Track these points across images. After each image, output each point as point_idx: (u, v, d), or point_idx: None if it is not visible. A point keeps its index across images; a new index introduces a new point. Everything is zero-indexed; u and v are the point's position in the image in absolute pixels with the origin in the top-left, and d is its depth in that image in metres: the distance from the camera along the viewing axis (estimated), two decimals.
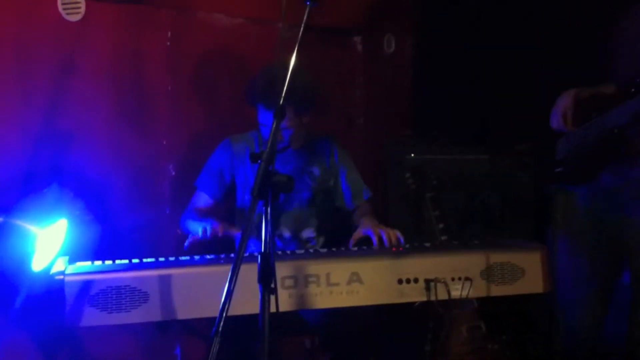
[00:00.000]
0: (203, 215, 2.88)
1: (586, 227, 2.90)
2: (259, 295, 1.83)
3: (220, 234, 2.58)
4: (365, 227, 2.74)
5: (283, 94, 1.95)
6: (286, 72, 2.68)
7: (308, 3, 1.98)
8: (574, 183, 3.01)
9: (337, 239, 2.95)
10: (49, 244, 2.26)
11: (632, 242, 2.79)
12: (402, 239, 2.62)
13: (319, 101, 2.89)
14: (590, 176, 2.88)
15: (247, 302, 2.08)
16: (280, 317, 1.87)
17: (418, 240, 2.79)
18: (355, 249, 2.61)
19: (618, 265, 2.87)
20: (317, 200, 3.01)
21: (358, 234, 2.73)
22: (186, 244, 2.60)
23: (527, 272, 2.45)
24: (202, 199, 2.97)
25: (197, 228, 2.66)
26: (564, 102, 2.97)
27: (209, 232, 2.57)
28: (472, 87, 3.71)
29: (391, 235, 2.62)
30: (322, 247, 2.96)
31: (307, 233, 3.00)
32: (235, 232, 2.67)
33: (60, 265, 2.22)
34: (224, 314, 1.74)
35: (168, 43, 3.35)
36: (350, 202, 3.04)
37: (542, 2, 3.48)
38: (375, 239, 2.62)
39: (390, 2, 4.17)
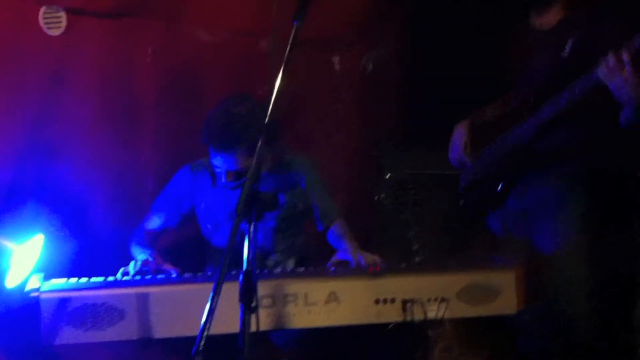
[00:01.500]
0: (148, 241, 2.83)
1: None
2: (237, 314, 1.83)
3: (151, 271, 2.51)
4: (344, 251, 2.73)
5: (269, 113, 1.93)
6: (241, 111, 2.70)
7: (295, 22, 1.99)
8: (480, 214, 3.07)
9: (310, 259, 2.95)
10: (25, 260, 2.24)
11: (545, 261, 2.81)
12: (379, 264, 2.62)
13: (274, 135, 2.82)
14: (498, 201, 2.95)
15: (226, 321, 2.07)
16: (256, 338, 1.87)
17: (395, 259, 2.80)
18: (332, 268, 2.62)
19: None
20: (283, 226, 2.96)
21: (337, 259, 2.71)
22: (118, 275, 2.50)
23: (502, 293, 2.47)
24: (154, 222, 2.91)
25: (137, 256, 2.63)
26: (461, 134, 3.07)
27: (138, 268, 2.51)
28: (452, 103, 3.76)
29: (370, 261, 2.61)
30: (294, 267, 2.94)
31: (273, 258, 2.96)
32: (169, 269, 2.58)
33: (36, 282, 2.20)
34: (205, 333, 1.74)
35: (151, 56, 3.34)
36: (321, 224, 3.00)
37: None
38: (353, 263, 2.61)
39: (370, 19, 4.22)
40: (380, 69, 4.35)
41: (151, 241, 2.84)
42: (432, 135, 3.79)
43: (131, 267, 2.51)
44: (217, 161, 2.77)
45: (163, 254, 2.70)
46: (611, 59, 2.45)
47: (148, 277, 2.43)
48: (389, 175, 3.54)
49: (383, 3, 4.10)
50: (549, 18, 2.89)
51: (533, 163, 2.84)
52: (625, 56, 2.43)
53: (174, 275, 2.50)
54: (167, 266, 2.58)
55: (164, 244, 2.95)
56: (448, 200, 3.66)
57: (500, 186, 2.93)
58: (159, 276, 2.42)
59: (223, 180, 2.79)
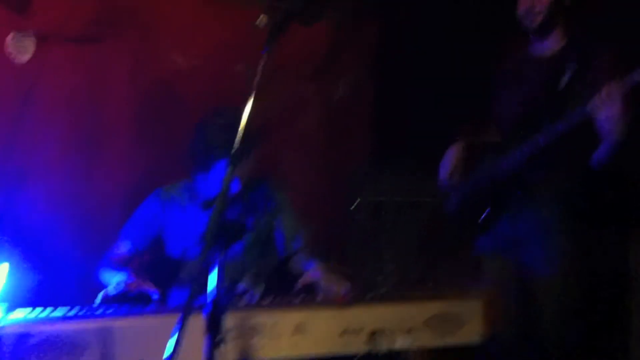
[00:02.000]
0: (121, 265, 2.81)
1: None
2: (203, 347, 1.82)
3: (133, 291, 2.51)
4: (314, 272, 2.73)
5: (239, 140, 1.94)
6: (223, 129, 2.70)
7: (266, 50, 2.00)
8: (471, 236, 3.12)
9: (278, 286, 2.95)
10: None
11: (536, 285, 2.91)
12: (348, 292, 2.60)
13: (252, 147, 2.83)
14: (486, 226, 3.01)
15: (191, 354, 2.04)
16: None
17: (364, 286, 2.80)
18: (299, 298, 2.61)
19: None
20: (252, 251, 2.96)
21: (306, 278, 2.71)
22: (98, 299, 2.50)
23: (469, 322, 2.48)
24: (124, 247, 2.90)
25: (112, 280, 2.60)
26: (454, 156, 3.12)
27: (120, 290, 2.50)
28: (425, 130, 3.80)
29: (339, 287, 2.61)
30: (262, 296, 2.93)
31: (242, 284, 2.96)
32: (150, 289, 2.58)
33: None
34: None
35: (124, 82, 3.33)
36: (286, 249, 3.01)
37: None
38: (322, 289, 2.62)
39: (344, 46, 4.26)
40: (354, 94, 4.39)
41: (123, 266, 2.81)
42: (404, 161, 3.84)
43: (111, 289, 2.49)
44: (219, 172, 2.76)
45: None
46: (604, 91, 2.53)
47: (128, 297, 2.42)
48: (358, 200, 3.55)
49: (351, 32, 4.16)
50: (550, 44, 2.92)
51: (524, 190, 2.90)
52: (619, 90, 2.52)
53: (155, 297, 2.49)
54: (148, 285, 2.56)
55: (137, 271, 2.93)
56: (418, 227, 3.69)
57: (485, 213, 3.00)
58: (124, 308, 2.39)
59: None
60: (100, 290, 2.54)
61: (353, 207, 3.58)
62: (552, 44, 2.92)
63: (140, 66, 3.39)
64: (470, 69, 3.60)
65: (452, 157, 3.13)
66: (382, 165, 3.99)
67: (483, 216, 3.00)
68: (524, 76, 2.98)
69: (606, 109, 2.55)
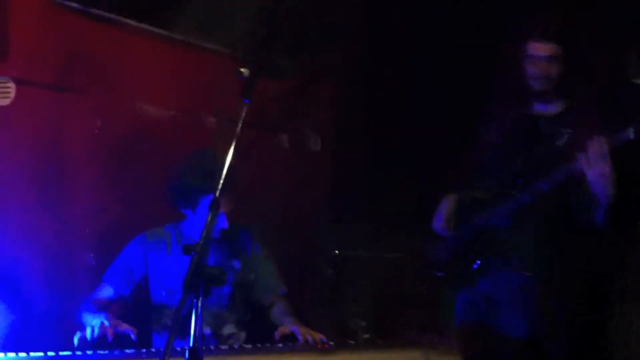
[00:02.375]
0: (100, 307, 2.78)
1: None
2: None
3: (110, 335, 2.47)
4: (292, 325, 2.73)
5: (220, 186, 1.95)
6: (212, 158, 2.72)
7: (246, 101, 2.04)
8: (455, 287, 3.16)
9: (259, 334, 2.91)
10: None
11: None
12: (323, 340, 2.62)
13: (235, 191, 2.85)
14: (469, 281, 3.04)
15: None
16: None
17: (340, 336, 2.79)
18: (280, 344, 2.59)
19: None
20: (237, 295, 2.96)
21: (284, 329, 2.70)
22: (75, 341, 2.46)
23: None
24: (106, 291, 2.89)
25: (89, 323, 2.57)
26: (447, 207, 3.15)
27: (96, 333, 2.46)
28: (394, 180, 3.85)
29: (316, 338, 2.61)
30: (244, 342, 2.90)
31: (228, 329, 2.94)
32: (127, 329, 2.55)
33: None
34: None
35: (96, 131, 3.33)
36: (267, 296, 3.01)
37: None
38: (301, 338, 2.61)
39: (311, 100, 4.34)
40: (324, 147, 4.45)
41: (103, 309, 2.77)
42: (375, 214, 3.88)
43: (88, 333, 2.44)
44: (206, 206, 2.71)
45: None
46: (590, 149, 2.60)
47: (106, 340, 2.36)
48: (336, 251, 3.57)
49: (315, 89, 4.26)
50: (552, 107, 3.03)
51: (502, 249, 2.94)
52: (605, 150, 2.58)
53: (132, 338, 2.45)
54: (125, 326, 2.51)
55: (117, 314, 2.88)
56: (386, 281, 3.71)
57: (474, 267, 3.01)
58: (104, 351, 2.34)
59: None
60: (74, 333, 2.48)
61: (331, 256, 3.58)
62: (552, 108, 3.04)
63: (109, 116, 3.40)
64: (440, 124, 3.72)
65: (444, 208, 3.15)
66: (342, 220, 4.03)
67: (474, 267, 3.02)
68: (520, 134, 3.06)
69: (594, 167, 2.62)
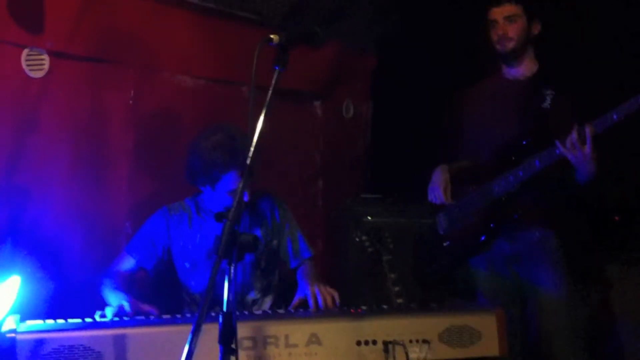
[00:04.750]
0: (123, 283, 2.78)
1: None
2: (217, 357, 1.81)
3: (129, 315, 2.47)
4: (307, 288, 2.71)
5: (251, 155, 1.95)
6: (235, 133, 2.72)
7: (277, 68, 2.03)
8: (466, 256, 3.16)
9: (285, 299, 2.94)
10: (1, 301, 2.20)
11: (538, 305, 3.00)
12: (337, 300, 2.62)
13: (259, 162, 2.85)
14: (484, 246, 3.08)
15: None
16: None
17: (374, 302, 2.79)
18: (313, 310, 2.60)
19: None
20: (261, 262, 2.97)
21: (295, 300, 2.70)
22: (97, 318, 2.46)
23: (484, 335, 2.47)
24: (128, 263, 2.89)
25: (110, 301, 2.58)
26: (442, 177, 3.20)
27: (116, 313, 2.45)
28: (429, 151, 3.82)
29: (326, 295, 2.61)
30: (270, 307, 2.93)
31: (252, 296, 2.96)
32: (148, 309, 2.53)
33: (12, 324, 2.16)
34: None
35: (130, 102, 3.37)
36: (293, 261, 3.01)
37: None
38: (311, 302, 2.61)
39: (347, 69, 4.31)
40: (358, 116, 4.43)
41: (125, 284, 2.78)
42: (404, 186, 3.86)
43: (109, 312, 2.46)
44: (233, 182, 2.75)
45: (139, 299, 2.66)
46: (574, 135, 2.72)
47: (139, 317, 2.39)
48: (369, 217, 3.56)
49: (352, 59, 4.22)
50: (523, 70, 3.12)
51: (518, 212, 3.00)
52: (587, 133, 2.69)
53: (152, 315, 2.46)
54: (146, 307, 2.53)
55: (139, 290, 2.92)
56: (417, 250, 3.70)
57: (483, 237, 3.06)
58: (138, 317, 2.39)
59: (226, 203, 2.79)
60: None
61: (364, 223, 3.57)
62: (524, 70, 3.12)
63: (147, 86, 3.42)
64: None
65: (440, 178, 3.20)
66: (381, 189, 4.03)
67: (483, 238, 3.06)
68: (500, 99, 3.14)
69: (577, 151, 2.73)
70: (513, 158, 2.97)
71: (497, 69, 3.21)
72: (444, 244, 3.24)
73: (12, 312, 2.26)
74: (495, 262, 3.11)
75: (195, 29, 3.57)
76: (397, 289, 2.80)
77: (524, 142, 2.96)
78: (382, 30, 4.28)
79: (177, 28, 3.51)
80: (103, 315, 2.45)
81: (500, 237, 3.06)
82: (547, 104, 2.97)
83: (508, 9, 3.04)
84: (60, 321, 2.29)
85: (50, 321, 2.28)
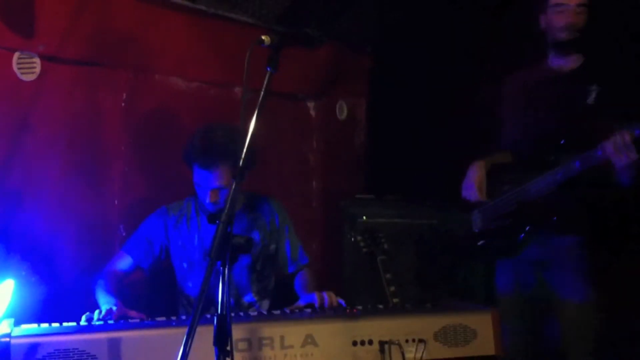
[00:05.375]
0: (117, 282, 2.79)
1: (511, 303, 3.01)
2: (213, 359, 1.81)
3: (114, 320, 2.44)
4: (310, 295, 2.69)
5: (243, 155, 1.95)
6: (224, 132, 2.72)
7: (269, 69, 2.03)
8: (499, 257, 3.10)
9: (282, 302, 2.93)
10: None
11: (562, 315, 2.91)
12: (342, 303, 2.62)
13: (255, 161, 2.83)
14: (516, 250, 2.97)
15: None
16: None
17: (370, 302, 2.79)
18: (309, 310, 2.60)
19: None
20: (258, 265, 2.97)
21: (299, 304, 2.68)
22: (82, 320, 2.44)
23: (479, 334, 2.46)
24: (124, 262, 2.89)
25: (100, 302, 2.59)
26: (477, 174, 3.08)
27: (101, 317, 2.43)
28: (424, 150, 3.82)
29: (333, 299, 2.62)
30: (269, 309, 2.92)
31: (248, 298, 2.96)
32: (135, 315, 2.51)
33: (6, 328, 2.15)
34: None
35: (123, 104, 3.36)
36: (290, 266, 3.02)
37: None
38: (317, 302, 2.61)
39: (342, 69, 4.31)
40: (353, 117, 4.43)
41: (118, 286, 2.79)
42: (400, 186, 3.86)
43: (95, 315, 2.45)
44: (201, 178, 2.77)
45: (133, 303, 2.66)
46: (620, 138, 2.56)
47: (133, 320, 2.38)
48: (364, 218, 3.56)
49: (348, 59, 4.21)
50: (571, 61, 2.97)
51: (555, 215, 2.87)
52: (628, 140, 2.54)
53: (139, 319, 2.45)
54: (133, 313, 2.52)
55: (134, 292, 2.91)
56: (416, 250, 3.70)
57: (521, 236, 2.95)
58: (131, 320, 2.38)
59: (207, 201, 2.79)
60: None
61: (358, 224, 3.57)
62: (571, 62, 2.97)
63: (139, 89, 3.42)
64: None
65: (475, 175, 3.08)
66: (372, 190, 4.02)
67: (522, 236, 2.95)
68: (542, 90, 2.99)
69: (623, 155, 2.58)
70: (552, 157, 2.83)
71: (537, 59, 3.06)
72: (479, 243, 3.14)
73: (6, 316, 2.26)
74: (520, 267, 3.01)
75: (188, 31, 3.57)
76: (392, 289, 2.80)
77: (562, 142, 2.82)
78: (378, 29, 4.28)
79: (171, 30, 3.50)
80: (90, 318, 2.44)
81: (532, 242, 2.93)
82: (591, 99, 2.84)
83: None
84: (55, 325, 2.28)
85: (44, 325, 2.27)
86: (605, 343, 2.89)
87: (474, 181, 3.07)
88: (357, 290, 3.57)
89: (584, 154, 2.69)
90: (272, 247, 3.01)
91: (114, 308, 2.49)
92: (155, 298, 3.09)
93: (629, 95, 2.80)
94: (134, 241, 2.92)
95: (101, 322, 2.38)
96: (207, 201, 2.79)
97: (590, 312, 2.88)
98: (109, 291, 2.70)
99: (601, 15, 2.92)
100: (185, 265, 2.92)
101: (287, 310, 2.63)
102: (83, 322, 2.39)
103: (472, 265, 3.71)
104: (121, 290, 2.76)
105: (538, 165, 2.87)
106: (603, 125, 2.68)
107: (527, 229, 2.92)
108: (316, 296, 2.63)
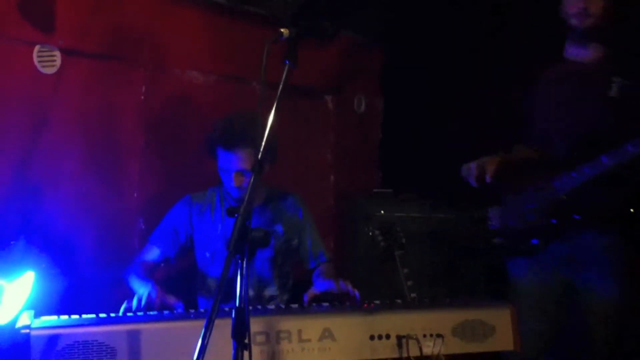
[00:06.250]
0: (148, 272, 2.82)
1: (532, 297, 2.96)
2: (230, 351, 1.81)
3: (156, 306, 2.48)
4: (321, 283, 2.71)
5: (261, 149, 1.94)
6: (246, 116, 2.73)
7: (287, 62, 2.02)
8: (518, 254, 3.02)
9: (301, 297, 2.93)
10: (15, 297, 2.21)
11: (591, 314, 2.85)
12: (357, 295, 2.62)
13: (275, 156, 2.84)
14: (536, 248, 2.90)
15: (218, 359, 2.04)
16: None
17: (387, 296, 2.79)
18: (326, 304, 2.60)
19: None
20: (279, 259, 2.98)
21: (312, 292, 2.68)
22: (121, 310, 2.48)
23: (498, 330, 2.45)
24: (153, 253, 2.92)
25: (136, 290, 2.60)
26: (489, 158, 2.94)
27: (143, 303, 2.47)
28: (441, 146, 3.80)
29: (350, 286, 2.62)
30: (287, 303, 2.92)
31: (270, 291, 2.97)
32: (173, 302, 2.54)
33: (26, 319, 2.17)
34: None
35: (142, 98, 3.38)
36: (312, 261, 3.03)
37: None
38: (336, 288, 2.61)
39: (360, 64, 4.30)
40: (370, 112, 4.42)
41: (149, 273, 2.81)
42: (416, 180, 3.85)
43: (135, 303, 2.48)
44: (225, 161, 2.79)
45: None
46: None
47: (153, 313, 2.40)
48: (382, 212, 3.55)
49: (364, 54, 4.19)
50: (590, 52, 2.86)
51: (580, 212, 2.79)
52: None
53: (179, 310, 2.47)
54: (171, 299, 2.54)
55: (158, 276, 2.93)
56: (433, 246, 3.67)
57: (536, 240, 2.91)
58: (151, 313, 2.39)
59: (232, 185, 2.80)
60: (123, 299, 2.54)
61: (376, 218, 3.56)
62: (591, 52, 2.86)
63: (158, 82, 3.43)
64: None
65: (486, 158, 2.96)
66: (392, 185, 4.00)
67: (536, 241, 2.90)
68: (561, 84, 2.90)
69: None
70: (575, 153, 2.75)
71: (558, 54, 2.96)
72: (495, 240, 3.07)
73: (27, 307, 2.27)
74: (542, 264, 2.93)
75: (205, 25, 3.58)
76: (410, 283, 2.79)
77: (587, 139, 2.73)
78: (394, 24, 4.26)
79: (188, 25, 3.51)
80: (128, 308, 2.46)
81: (556, 238, 2.85)
82: (614, 92, 2.73)
83: None
84: (75, 317, 2.30)
85: (64, 317, 2.29)
86: (635, 343, 2.86)
87: (483, 164, 2.94)
88: (374, 285, 3.56)
89: (612, 149, 2.61)
90: (295, 241, 3.02)
91: (153, 294, 2.50)
92: (172, 285, 3.10)
93: None
94: (159, 232, 2.95)
95: (140, 313, 2.38)
96: (232, 185, 2.79)
97: (620, 310, 2.82)
98: (142, 276, 2.73)
99: (622, 2, 2.80)
100: (207, 254, 2.94)
101: (306, 298, 2.63)
102: (121, 313, 2.41)
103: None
104: (152, 276, 2.78)
105: (562, 161, 2.81)
106: (629, 120, 2.62)
107: (549, 226, 2.85)
108: (334, 282, 2.63)
